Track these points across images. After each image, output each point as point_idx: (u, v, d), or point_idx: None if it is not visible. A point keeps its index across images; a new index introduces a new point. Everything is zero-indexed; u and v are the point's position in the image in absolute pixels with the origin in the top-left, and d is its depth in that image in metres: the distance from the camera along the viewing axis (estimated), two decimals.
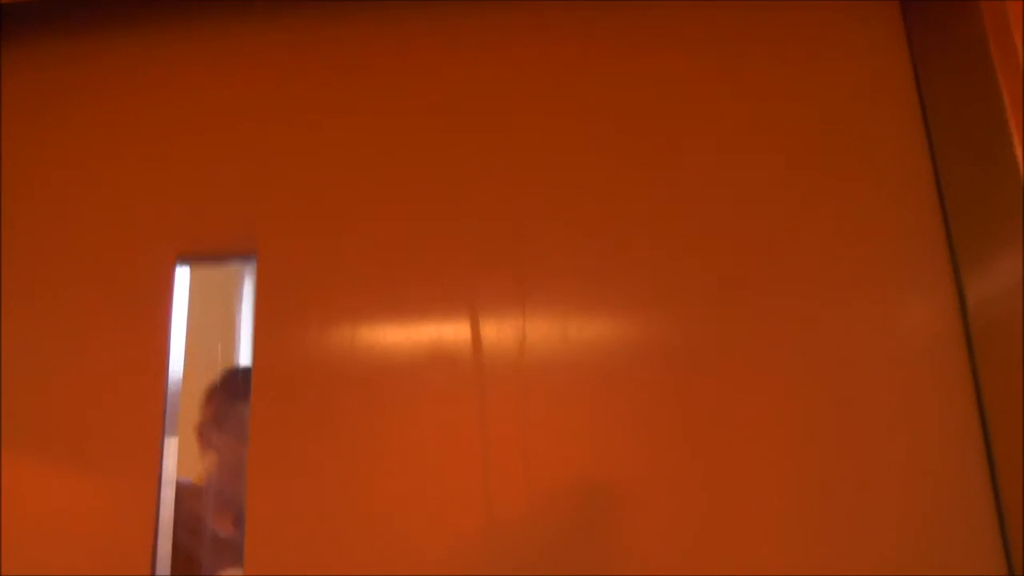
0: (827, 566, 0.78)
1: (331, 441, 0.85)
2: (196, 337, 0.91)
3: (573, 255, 0.87)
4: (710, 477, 0.81)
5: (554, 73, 0.93)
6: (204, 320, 0.91)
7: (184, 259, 0.92)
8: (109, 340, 0.90)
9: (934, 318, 0.83)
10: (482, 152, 0.92)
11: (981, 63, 0.77)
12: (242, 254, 0.92)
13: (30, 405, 0.89)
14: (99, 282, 0.92)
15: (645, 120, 0.90)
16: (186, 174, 0.95)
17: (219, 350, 0.90)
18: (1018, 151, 0.73)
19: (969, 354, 0.81)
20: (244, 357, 0.90)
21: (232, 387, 0.89)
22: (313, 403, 0.86)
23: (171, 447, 0.87)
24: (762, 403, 0.82)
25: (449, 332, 0.87)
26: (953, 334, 0.82)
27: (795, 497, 0.79)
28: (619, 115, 0.90)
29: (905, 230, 0.84)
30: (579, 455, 0.82)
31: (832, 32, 0.91)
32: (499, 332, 0.86)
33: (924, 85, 0.87)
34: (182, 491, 0.86)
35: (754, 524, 0.79)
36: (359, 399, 0.86)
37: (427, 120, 0.94)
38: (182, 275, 0.92)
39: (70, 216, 0.95)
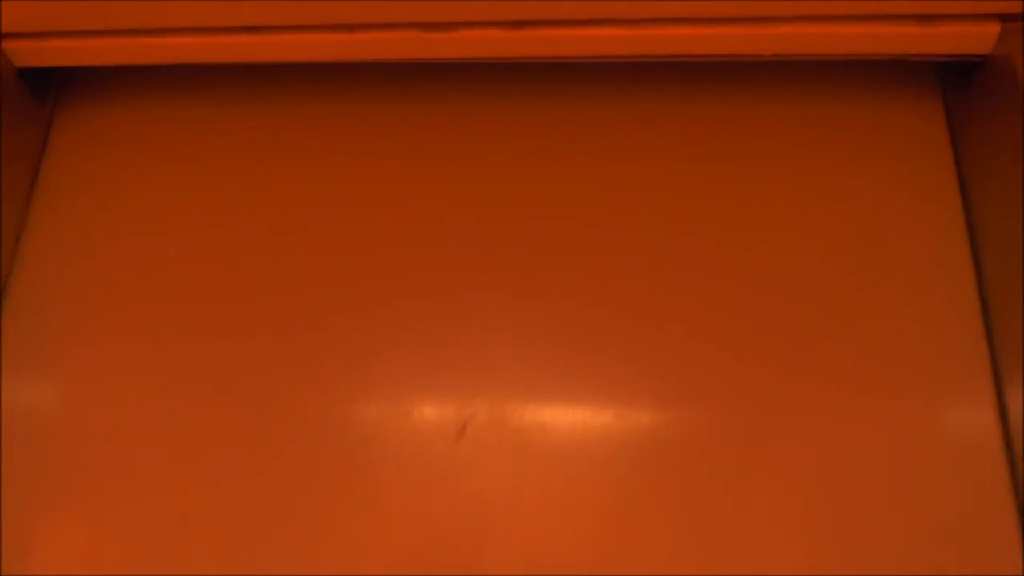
0: None
1: None
2: None
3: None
4: None
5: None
6: None
7: None
8: None
9: (972, 428, 0.77)
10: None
11: None
12: None
13: None
14: None
15: (681, 216, 0.86)
16: None
17: None
18: None
19: (1010, 465, 0.74)
20: None
21: None
22: None
23: None
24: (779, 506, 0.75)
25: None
26: (992, 445, 0.75)
27: None
28: (654, 213, 0.87)
29: (945, 334, 0.80)
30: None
31: (872, 130, 0.88)
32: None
33: (968, 187, 0.85)
34: None
35: None
36: None
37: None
38: None
39: None
